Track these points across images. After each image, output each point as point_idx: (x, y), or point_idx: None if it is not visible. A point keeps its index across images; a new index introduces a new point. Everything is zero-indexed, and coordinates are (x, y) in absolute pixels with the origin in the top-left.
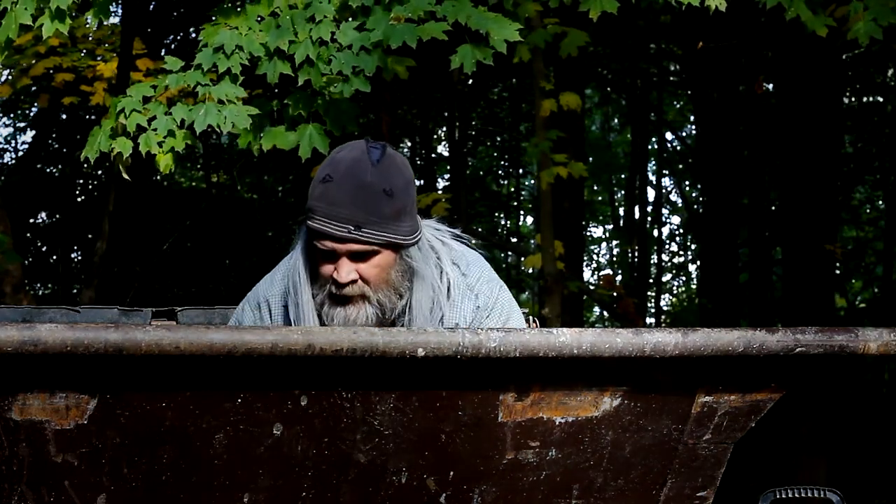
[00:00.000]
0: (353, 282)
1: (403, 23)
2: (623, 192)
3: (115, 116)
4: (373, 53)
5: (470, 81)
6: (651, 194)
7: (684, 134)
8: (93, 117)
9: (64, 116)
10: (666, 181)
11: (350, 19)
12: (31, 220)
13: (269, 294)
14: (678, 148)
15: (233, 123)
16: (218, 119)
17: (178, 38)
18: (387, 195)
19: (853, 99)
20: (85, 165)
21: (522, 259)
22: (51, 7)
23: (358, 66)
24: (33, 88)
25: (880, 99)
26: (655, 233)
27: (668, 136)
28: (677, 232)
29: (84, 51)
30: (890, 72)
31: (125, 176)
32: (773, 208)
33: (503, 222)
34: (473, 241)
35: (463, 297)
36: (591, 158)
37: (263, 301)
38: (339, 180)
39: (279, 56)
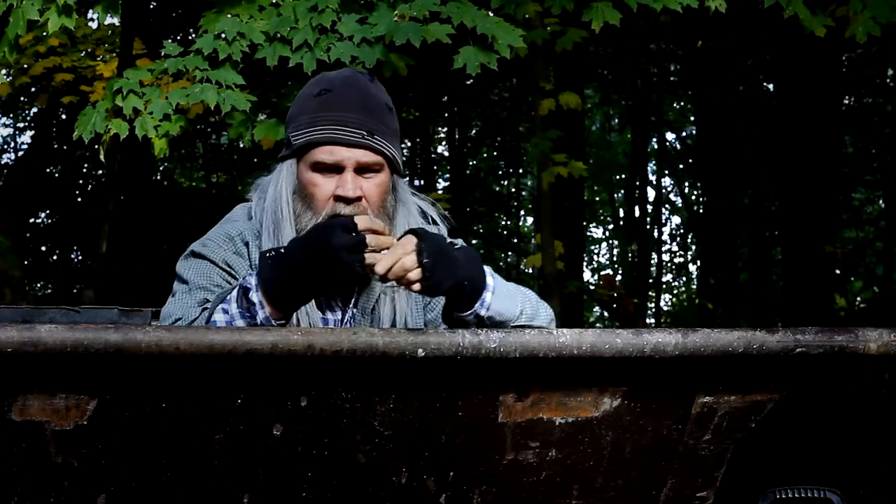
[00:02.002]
0: (358, 199)
1: (408, 21)
2: (623, 192)
3: (112, 98)
4: (374, 47)
5: (470, 82)
6: (651, 194)
7: (684, 134)
8: None
9: (64, 116)
10: (666, 181)
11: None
12: (31, 221)
13: (242, 228)
14: (678, 148)
15: (232, 105)
16: (217, 99)
17: (178, 38)
18: (389, 110)
19: (853, 99)
20: (85, 166)
21: (522, 259)
22: (58, 2)
23: (358, 58)
24: (32, 89)
25: (880, 100)
26: (655, 233)
27: (669, 136)
28: (677, 232)
29: (84, 51)
30: (890, 72)
31: (101, 158)
32: (773, 208)
33: (503, 222)
34: (474, 241)
35: None
36: (591, 161)
37: (237, 234)
38: (341, 91)
39: (279, 41)
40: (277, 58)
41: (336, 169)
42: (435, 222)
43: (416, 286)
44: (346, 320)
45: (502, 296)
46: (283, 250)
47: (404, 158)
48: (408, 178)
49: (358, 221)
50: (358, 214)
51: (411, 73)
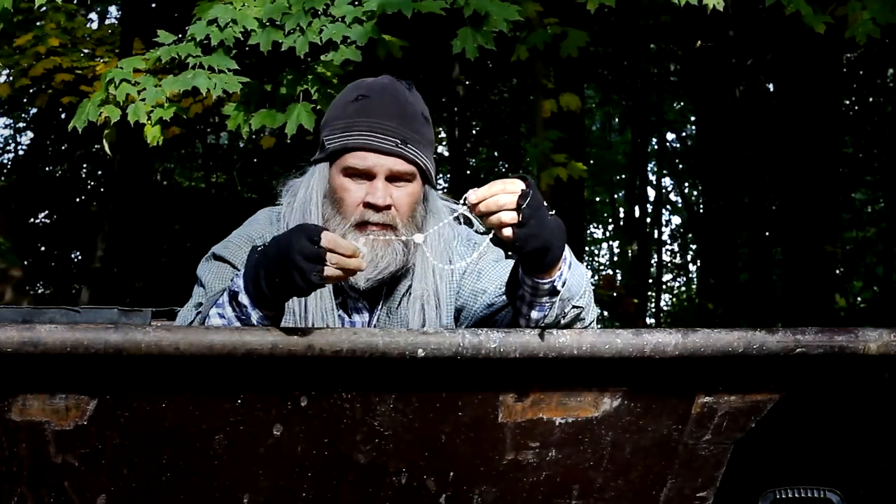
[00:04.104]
0: (388, 208)
1: None
2: (623, 192)
3: (105, 87)
4: (366, 25)
5: (468, 83)
6: (651, 194)
7: (684, 134)
8: None
9: (63, 116)
10: (666, 181)
11: None
12: (31, 221)
13: (264, 231)
14: (678, 148)
15: (224, 90)
16: (207, 84)
17: (179, 38)
18: (425, 120)
19: (853, 99)
20: (85, 167)
21: None
22: None
23: (350, 38)
24: (31, 90)
25: (881, 100)
26: (655, 233)
27: (669, 136)
28: (677, 232)
29: (84, 51)
30: (890, 72)
31: (108, 151)
32: (774, 208)
33: None
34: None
35: (460, 245)
36: (591, 161)
37: (259, 237)
38: (378, 98)
39: (272, 26)
40: (271, 43)
41: (368, 175)
42: (469, 223)
43: (508, 231)
44: (373, 322)
45: (575, 272)
46: (264, 245)
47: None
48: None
49: (322, 236)
50: (387, 223)
51: (410, 73)
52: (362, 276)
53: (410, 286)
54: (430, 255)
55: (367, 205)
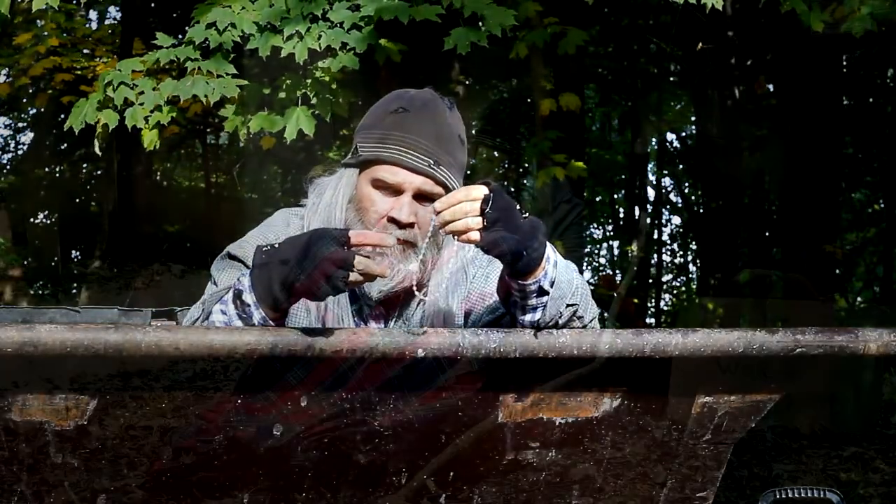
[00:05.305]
0: (410, 226)
1: (397, 1)
2: (623, 192)
3: (103, 89)
4: (364, 31)
5: (469, 82)
6: (651, 194)
7: (684, 134)
8: None
9: (63, 116)
10: (666, 181)
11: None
12: (31, 221)
13: (280, 234)
14: (678, 148)
15: (222, 95)
16: (206, 90)
17: (179, 38)
18: (461, 143)
19: (853, 99)
20: (84, 167)
21: None
22: None
23: (348, 44)
24: (31, 90)
25: (881, 100)
26: (656, 233)
27: (669, 136)
28: (678, 232)
29: (84, 51)
30: (890, 72)
31: (97, 151)
32: (774, 208)
33: None
34: None
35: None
36: (590, 161)
37: (275, 239)
38: (417, 114)
39: (271, 30)
40: (270, 48)
41: (395, 191)
42: None
43: (475, 235)
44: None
45: (563, 270)
46: (276, 245)
47: None
48: None
49: (351, 235)
50: (408, 239)
51: (409, 75)
52: (376, 286)
53: (425, 297)
54: (447, 273)
55: (391, 219)
